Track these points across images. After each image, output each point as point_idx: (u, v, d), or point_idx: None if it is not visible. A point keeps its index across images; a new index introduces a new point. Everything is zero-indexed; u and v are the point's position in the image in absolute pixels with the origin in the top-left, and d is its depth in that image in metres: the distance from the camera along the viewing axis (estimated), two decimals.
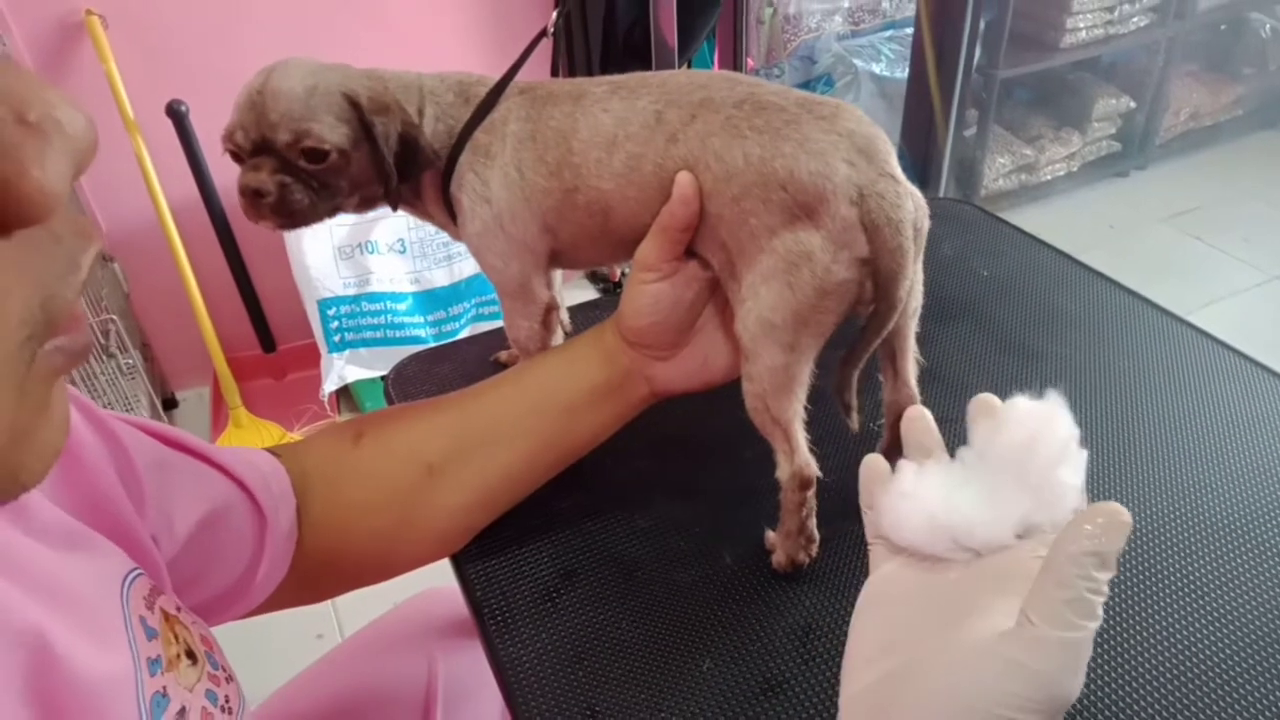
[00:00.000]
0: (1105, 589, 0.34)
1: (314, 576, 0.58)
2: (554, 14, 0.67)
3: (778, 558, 0.59)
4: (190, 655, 0.40)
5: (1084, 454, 0.40)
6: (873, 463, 0.46)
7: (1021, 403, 0.42)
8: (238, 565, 0.52)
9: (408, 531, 0.60)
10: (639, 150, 0.56)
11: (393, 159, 0.59)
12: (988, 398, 0.44)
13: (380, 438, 0.60)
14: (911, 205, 0.52)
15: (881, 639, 0.41)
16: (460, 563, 0.61)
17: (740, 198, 0.53)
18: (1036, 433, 0.40)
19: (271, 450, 0.58)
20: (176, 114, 1.71)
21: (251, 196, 0.58)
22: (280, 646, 1.20)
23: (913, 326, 0.58)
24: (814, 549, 0.59)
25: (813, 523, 0.58)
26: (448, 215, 0.64)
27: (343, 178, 0.60)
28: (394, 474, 0.59)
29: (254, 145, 0.58)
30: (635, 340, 0.60)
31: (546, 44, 0.67)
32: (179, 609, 0.42)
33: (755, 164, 0.52)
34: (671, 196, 0.55)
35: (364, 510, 0.59)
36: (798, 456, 0.56)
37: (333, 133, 0.58)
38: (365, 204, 0.63)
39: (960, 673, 0.35)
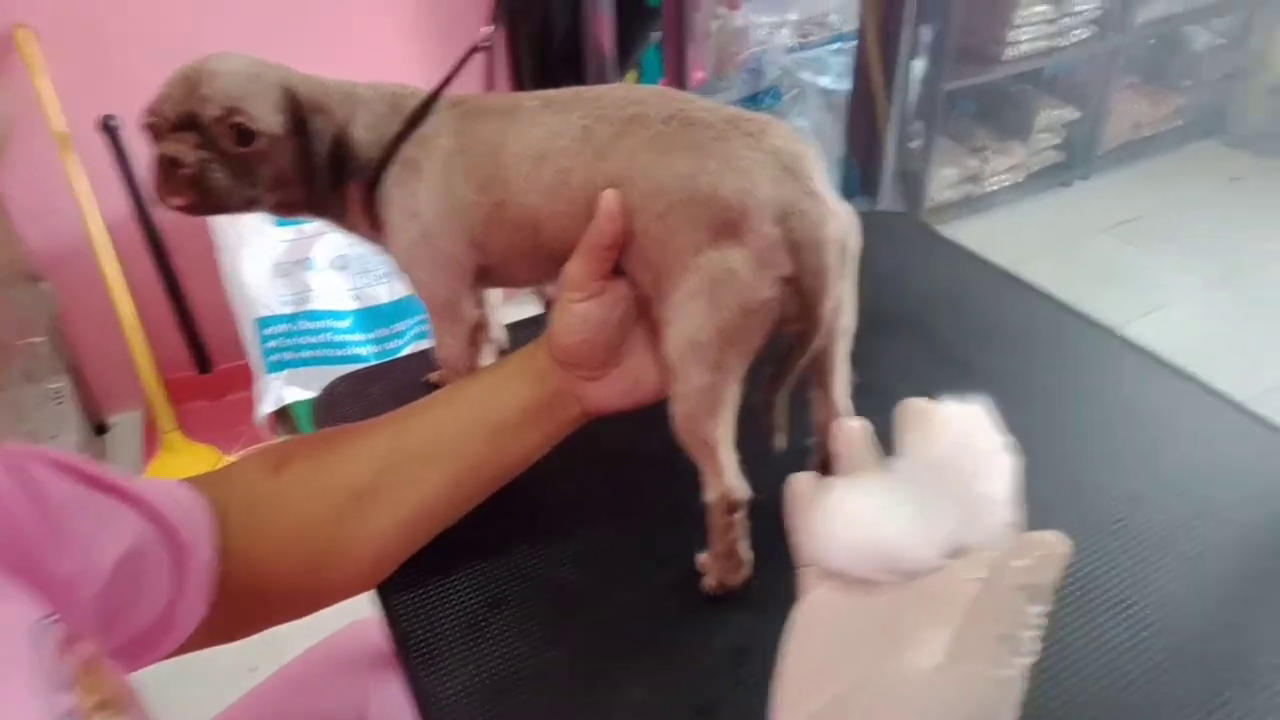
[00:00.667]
0: (1040, 623, 0.33)
1: (239, 611, 0.56)
2: (486, 29, 0.66)
3: (708, 581, 0.58)
4: (109, 706, 0.38)
5: (1011, 463, 0.39)
6: (797, 483, 0.44)
7: (946, 410, 0.41)
8: (158, 602, 0.50)
9: (335, 560, 0.58)
10: (567, 165, 0.55)
11: (325, 161, 0.58)
12: (915, 403, 0.42)
13: (303, 466, 0.58)
14: (836, 225, 0.51)
15: (814, 670, 0.39)
16: (384, 593, 0.60)
17: (665, 214, 0.52)
18: (959, 445, 0.39)
19: (191, 481, 0.56)
20: (110, 129, 1.68)
21: (168, 166, 0.56)
22: (215, 680, 1.16)
23: (844, 346, 0.57)
24: (745, 571, 0.58)
25: (743, 545, 0.57)
26: (373, 228, 0.63)
27: (267, 167, 0.58)
28: (318, 502, 0.57)
29: (178, 119, 0.56)
30: (565, 359, 0.59)
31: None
32: (98, 656, 0.40)
33: (681, 180, 0.51)
34: (597, 213, 0.54)
35: (288, 540, 0.57)
36: (726, 478, 0.55)
37: (267, 117, 0.57)
38: (285, 207, 0.62)
39: (894, 711, 0.34)
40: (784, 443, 0.58)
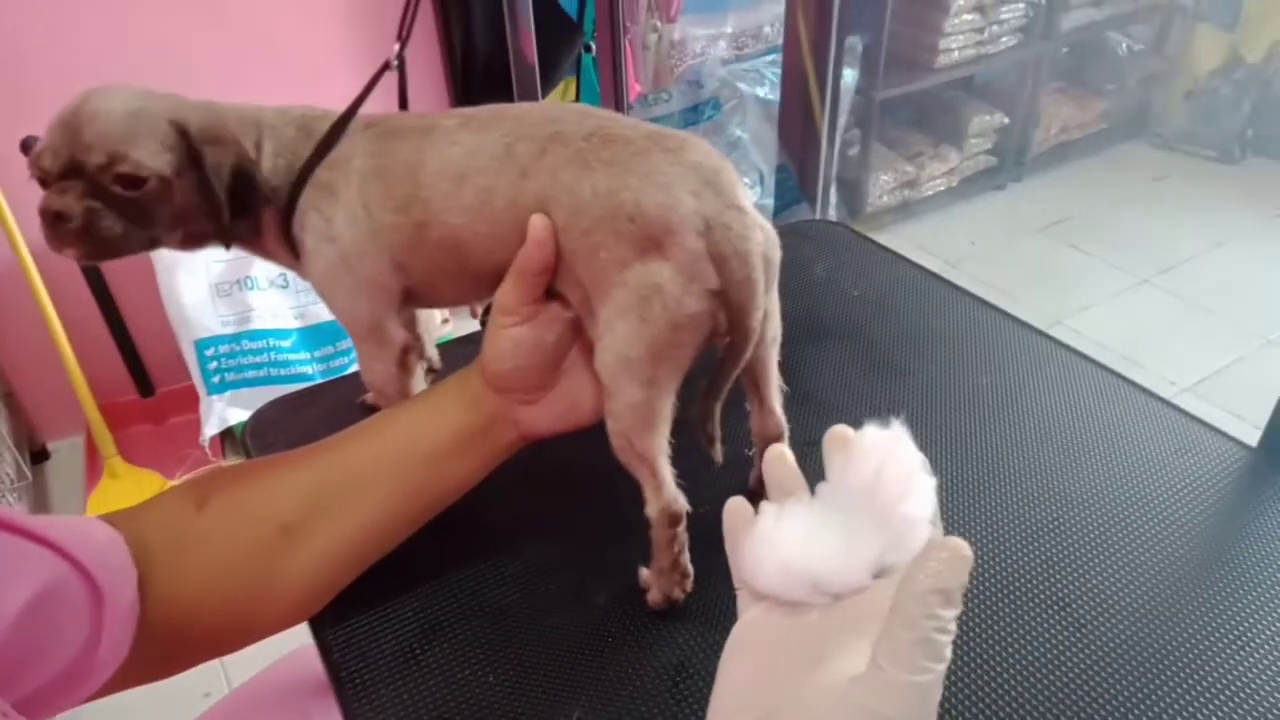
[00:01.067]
0: (952, 627, 0.34)
1: (163, 650, 0.54)
2: (395, 47, 0.64)
3: (653, 596, 0.58)
4: None
5: (931, 483, 0.40)
6: (735, 506, 0.45)
7: (868, 435, 0.42)
8: (72, 646, 0.48)
9: (264, 596, 0.56)
10: (490, 184, 0.55)
11: (225, 193, 0.57)
12: (839, 430, 0.43)
13: (228, 501, 0.56)
14: (760, 236, 0.52)
15: (743, 689, 0.40)
16: (317, 626, 0.58)
17: (591, 231, 0.52)
18: (880, 468, 0.40)
19: (109, 518, 0.54)
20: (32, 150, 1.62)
21: (53, 220, 0.54)
22: (166, 707, 1.13)
23: (774, 355, 0.58)
24: (689, 584, 0.58)
25: (686, 558, 0.57)
26: (290, 254, 0.62)
27: (163, 207, 0.57)
28: (244, 538, 0.55)
29: (63, 168, 0.54)
30: (499, 385, 0.58)
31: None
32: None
33: (603, 196, 0.51)
34: (526, 239, 0.54)
35: (213, 578, 0.55)
36: (665, 492, 0.55)
37: (154, 159, 0.55)
38: (192, 240, 0.60)
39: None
40: (721, 455, 0.58)
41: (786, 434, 0.61)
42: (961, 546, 0.34)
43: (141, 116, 0.55)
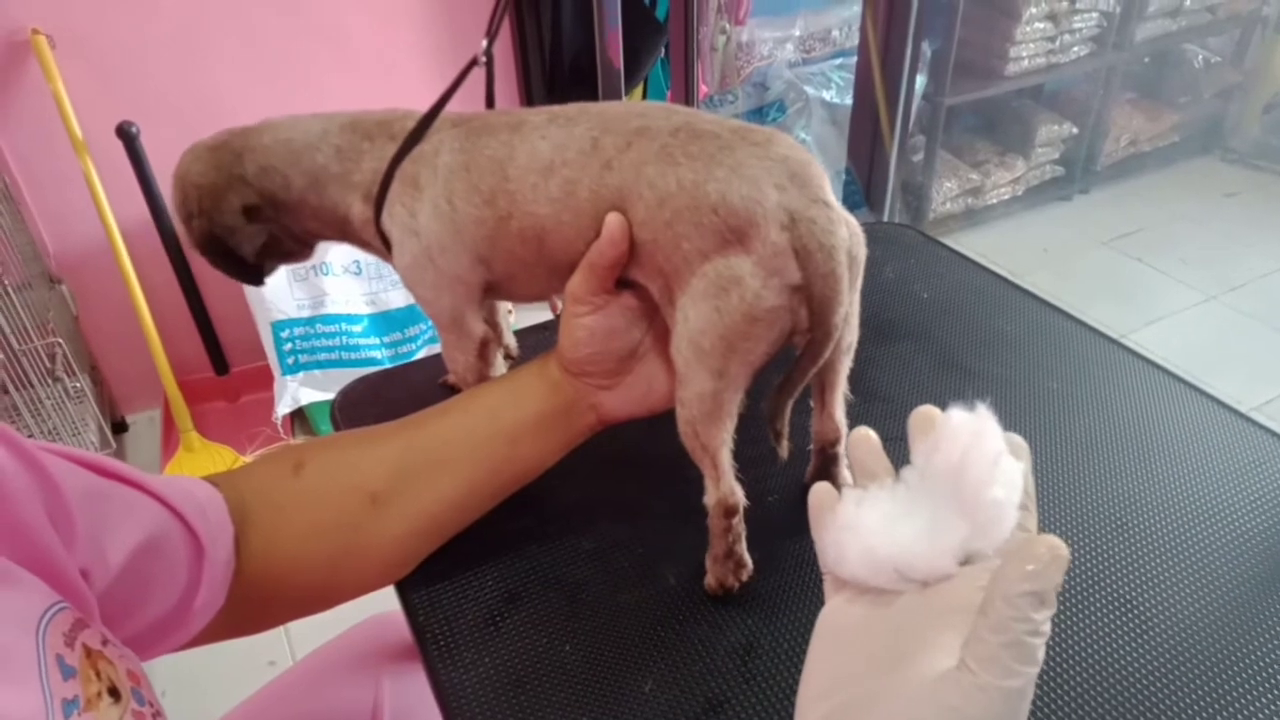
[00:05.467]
0: (1046, 628, 0.33)
1: (253, 607, 0.57)
2: (484, 43, 0.66)
3: (709, 581, 0.59)
4: (113, 693, 0.39)
5: (1018, 466, 0.39)
6: (820, 491, 0.44)
7: (954, 417, 0.40)
8: (173, 594, 0.51)
9: (351, 560, 0.59)
10: (575, 175, 0.56)
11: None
12: (927, 411, 0.42)
13: (322, 467, 0.60)
14: (845, 232, 0.52)
15: (828, 677, 0.40)
16: (404, 589, 0.61)
17: (673, 222, 0.53)
18: (966, 452, 0.38)
19: (209, 479, 0.58)
20: (127, 135, 1.69)
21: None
22: (232, 673, 1.19)
23: (846, 362, 0.59)
24: (744, 574, 0.59)
25: (741, 547, 0.58)
26: (385, 246, 0.64)
27: (215, 256, 0.69)
28: (337, 503, 0.59)
29: None
30: (577, 371, 0.60)
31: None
32: (106, 642, 0.41)
33: (688, 188, 0.52)
34: (601, 235, 0.55)
35: (306, 539, 0.58)
36: (723, 484, 0.56)
37: (188, 231, 0.68)
38: (283, 259, 0.72)
39: (900, 717, 0.35)
40: (787, 451, 0.59)
41: (844, 439, 0.61)
42: (1057, 546, 0.33)
43: (183, 186, 0.66)
